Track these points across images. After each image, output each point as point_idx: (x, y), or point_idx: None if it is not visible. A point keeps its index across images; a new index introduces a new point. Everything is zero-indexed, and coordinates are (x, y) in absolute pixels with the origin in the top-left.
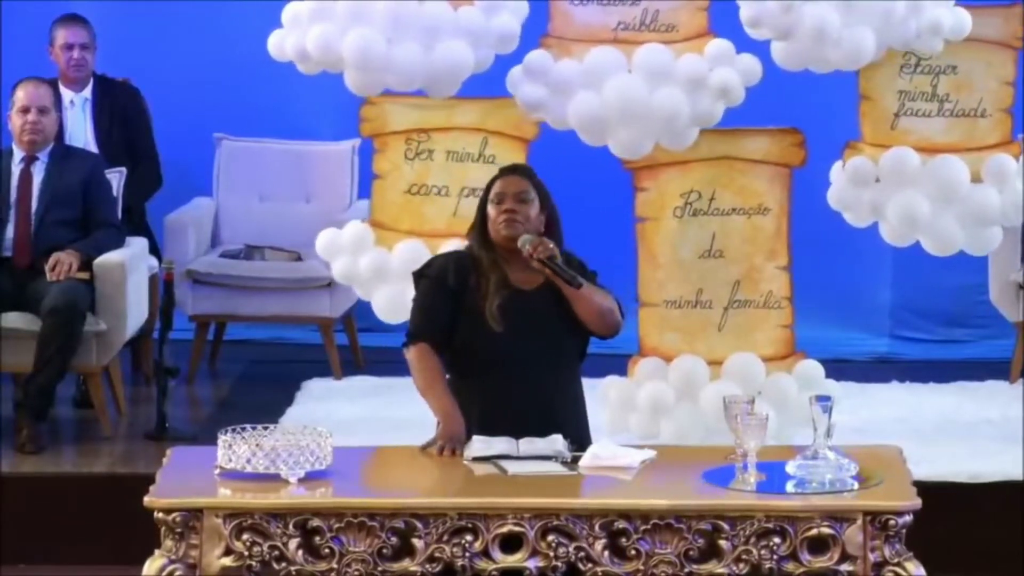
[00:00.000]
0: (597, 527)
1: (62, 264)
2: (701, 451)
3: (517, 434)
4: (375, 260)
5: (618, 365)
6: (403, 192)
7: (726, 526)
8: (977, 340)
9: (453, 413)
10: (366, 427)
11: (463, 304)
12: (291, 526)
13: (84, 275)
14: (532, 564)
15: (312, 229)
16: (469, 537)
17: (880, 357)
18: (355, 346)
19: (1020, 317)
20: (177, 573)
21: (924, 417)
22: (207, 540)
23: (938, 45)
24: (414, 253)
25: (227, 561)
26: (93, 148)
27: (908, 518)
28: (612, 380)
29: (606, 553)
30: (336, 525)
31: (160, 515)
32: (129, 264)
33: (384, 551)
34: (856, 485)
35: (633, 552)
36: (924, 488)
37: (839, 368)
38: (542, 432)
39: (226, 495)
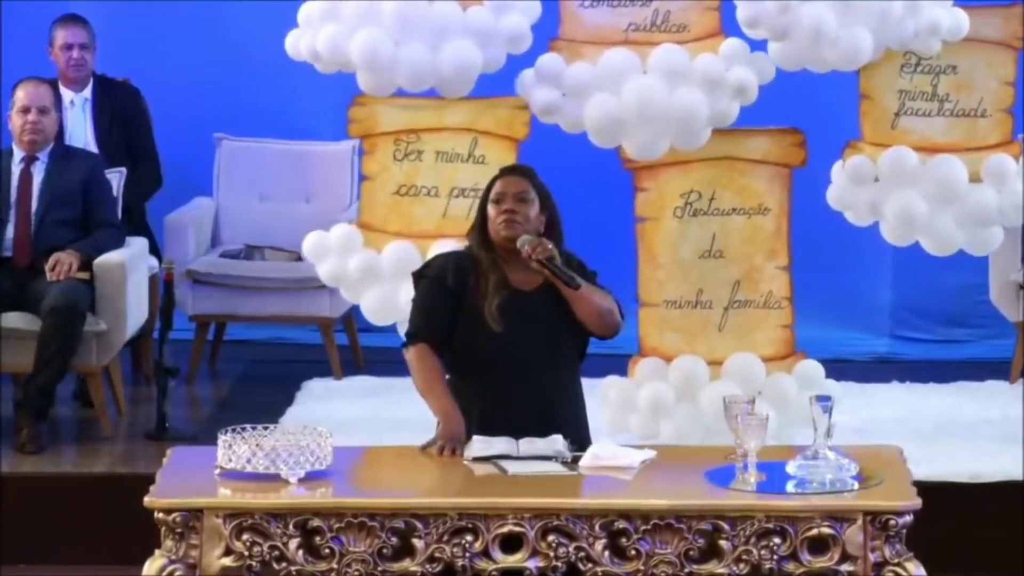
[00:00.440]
0: (597, 527)
1: (62, 264)
2: (701, 451)
3: (517, 434)
4: (364, 262)
5: (618, 365)
6: (392, 193)
7: (726, 526)
8: (977, 340)
9: (453, 413)
10: (366, 427)
11: (462, 304)
12: (291, 526)
13: (84, 275)
14: (532, 564)
15: (312, 229)
16: (469, 537)
17: (880, 357)
18: (355, 346)
19: (1020, 317)
20: (177, 573)
21: (924, 417)
22: (207, 540)
23: (936, 45)
24: (404, 254)
25: (227, 561)
26: (93, 148)
27: (908, 518)
28: (612, 380)
29: (606, 553)
30: (336, 525)
31: (160, 515)
32: (129, 264)
33: (384, 551)
34: (856, 485)
35: (633, 552)
36: (924, 488)
37: (839, 368)
38: (542, 432)
39: (226, 495)
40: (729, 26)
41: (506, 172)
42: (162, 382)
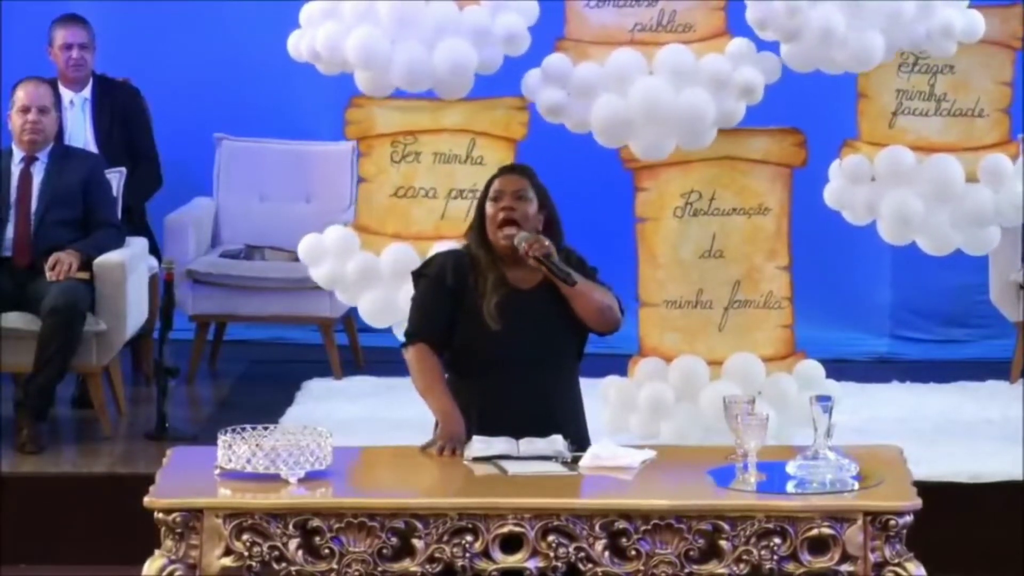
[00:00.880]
0: (597, 527)
1: (62, 264)
2: (701, 451)
3: (516, 434)
4: (363, 264)
5: (618, 365)
6: (389, 195)
7: (726, 526)
8: (977, 340)
9: (452, 413)
10: (366, 427)
11: (461, 303)
12: (291, 526)
13: (84, 275)
14: (532, 564)
15: (312, 229)
16: (469, 537)
17: (880, 357)
18: (355, 346)
19: (1020, 317)
20: (177, 573)
21: (924, 417)
22: (207, 540)
23: (951, 48)
24: (403, 256)
25: (227, 561)
26: (93, 148)
27: (908, 518)
28: (612, 380)
29: (606, 553)
30: (336, 525)
31: (160, 515)
32: (129, 264)
33: (384, 551)
34: (856, 485)
35: (633, 552)
36: (924, 488)
37: (839, 368)
38: (541, 432)
39: (226, 495)
40: (735, 26)
41: (504, 171)
42: (162, 382)
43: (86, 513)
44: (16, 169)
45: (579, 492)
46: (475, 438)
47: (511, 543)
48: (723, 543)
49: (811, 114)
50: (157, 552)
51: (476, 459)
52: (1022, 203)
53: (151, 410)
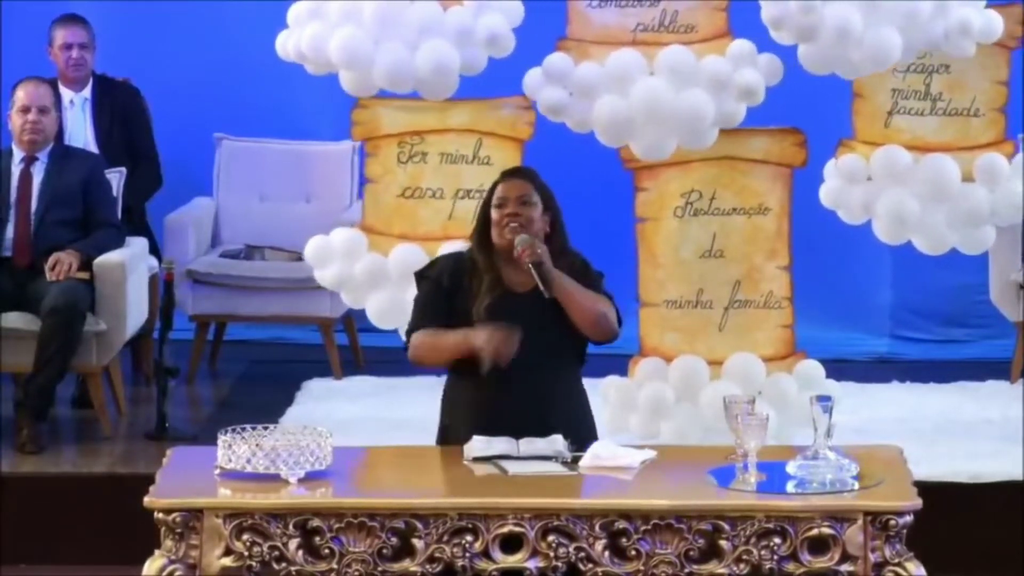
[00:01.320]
0: (597, 527)
1: (62, 264)
2: (701, 451)
3: (514, 435)
4: (371, 265)
5: (618, 365)
6: (396, 196)
7: (726, 526)
8: (977, 340)
9: (472, 328)
10: (366, 427)
11: (456, 305)
12: (291, 526)
13: (84, 275)
14: (532, 564)
15: (312, 229)
16: (469, 537)
17: (880, 357)
18: (355, 346)
19: (1020, 317)
20: (177, 573)
21: (924, 417)
22: (207, 540)
23: (969, 48)
24: (411, 257)
25: (227, 561)
26: (93, 148)
27: (908, 518)
28: (612, 380)
29: (606, 553)
30: (336, 525)
31: (160, 515)
32: (129, 264)
33: (384, 551)
34: (856, 485)
35: (633, 552)
36: (924, 488)
37: (839, 368)
38: (539, 433)
39: (226, 495)
40: (737, 27)
41: (508, 175)
42: (162, 382)
43: (86, 513)
44: (16, 169)
45: (579, 492)
46: (475, 438)
47: (511, 543)
48: (723, 543)
49: (811, 114)
50: (157, 552)
51: (476, 459)
52: (1021, 202)
53: (151, 410)
